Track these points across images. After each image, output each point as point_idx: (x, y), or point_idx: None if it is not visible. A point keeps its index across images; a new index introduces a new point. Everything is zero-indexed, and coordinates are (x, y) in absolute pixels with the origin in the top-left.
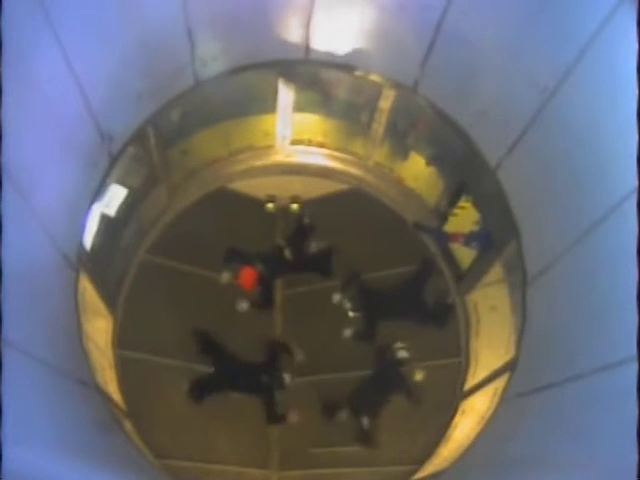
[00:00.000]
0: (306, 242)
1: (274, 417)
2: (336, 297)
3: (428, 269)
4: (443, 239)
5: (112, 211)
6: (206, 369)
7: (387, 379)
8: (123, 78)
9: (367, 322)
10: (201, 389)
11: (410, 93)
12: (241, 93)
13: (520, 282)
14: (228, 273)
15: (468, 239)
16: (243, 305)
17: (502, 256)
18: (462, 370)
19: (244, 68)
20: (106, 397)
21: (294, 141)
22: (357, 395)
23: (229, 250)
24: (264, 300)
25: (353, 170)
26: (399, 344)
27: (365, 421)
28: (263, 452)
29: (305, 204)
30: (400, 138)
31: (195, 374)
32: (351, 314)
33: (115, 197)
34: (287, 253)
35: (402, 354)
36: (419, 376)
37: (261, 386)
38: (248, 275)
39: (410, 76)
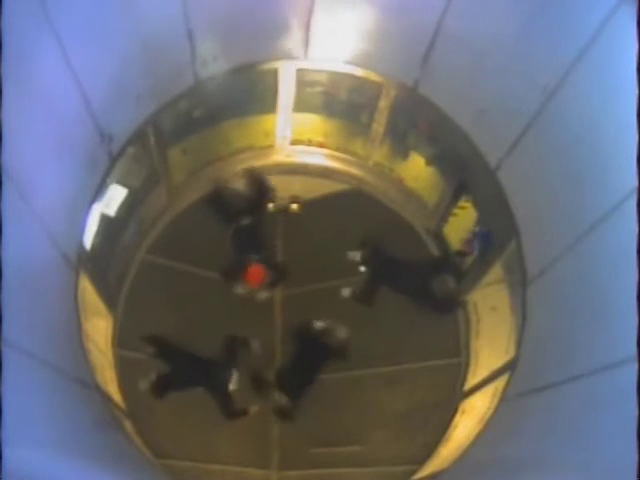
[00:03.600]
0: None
1: (232, 412)
2: (351, 254)
3: (446, 263)
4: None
5: (112, 211)
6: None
7: (312, 354)
8: (123, 78)
9: (370, 283)
10: (163, 386)
11: (410, 93)
12: (241, 93)
13: (520, 282)
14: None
15: (469, 243)
16: (240, 289)
17: (502, 256)
18: (462, 370)
19: (244, 68)
20: (106, 397)
21: (294, 141)
22: (283, 374)
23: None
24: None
25: (353, 170)
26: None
27: (284, 399)
28: (263, 452)
29: (306, 207)
30: (400, 138)
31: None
32: (362, 269)
33: (115, 197)
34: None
35: (319, 324)
36: (342, 333)
37: (218, 383)
38: (257, 273)
39: (410, 76)
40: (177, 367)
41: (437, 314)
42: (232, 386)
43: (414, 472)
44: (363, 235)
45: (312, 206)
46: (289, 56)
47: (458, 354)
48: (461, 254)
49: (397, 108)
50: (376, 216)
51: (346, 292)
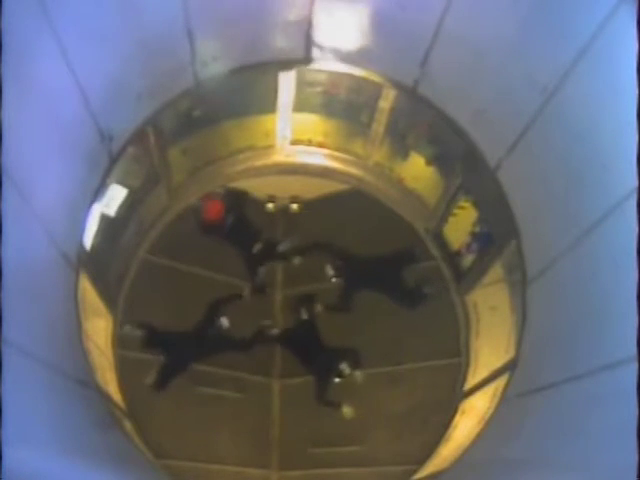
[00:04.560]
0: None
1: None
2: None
3: (411, 253)
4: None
5: (112, 211)
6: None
7: (320, 366)
8: (123, 78)
9: (344, 291)
10: (163, 378)
11: (410, 93)
12: (241, 93)
13: (520, 282)
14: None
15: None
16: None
17: (502, 256)
18: (462, 370)
19: (244, 68)
20: (106, 397)
21: (294, 141)
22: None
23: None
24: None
25: (353, 170)
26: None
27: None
28: (263, 452)
29: (306, 207)
30: (400, 138)
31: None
32: (333, 280)
33: (115, 197)
34: (256, 247)
35: (346, 370)
36: (347, 411)
37: (209, 343)
38: (214, 206)
39: (410, 76)
40: (171, 351)
41: (409, 307)
42: (225, 324)
43: (414, 472)
44: (326, 244)
45: (312, 206)
46: (289, 56)
47: (458, 354)
48: (461, 254)
49: (397, 108)
50: (376, 216)
51: (318, 308)
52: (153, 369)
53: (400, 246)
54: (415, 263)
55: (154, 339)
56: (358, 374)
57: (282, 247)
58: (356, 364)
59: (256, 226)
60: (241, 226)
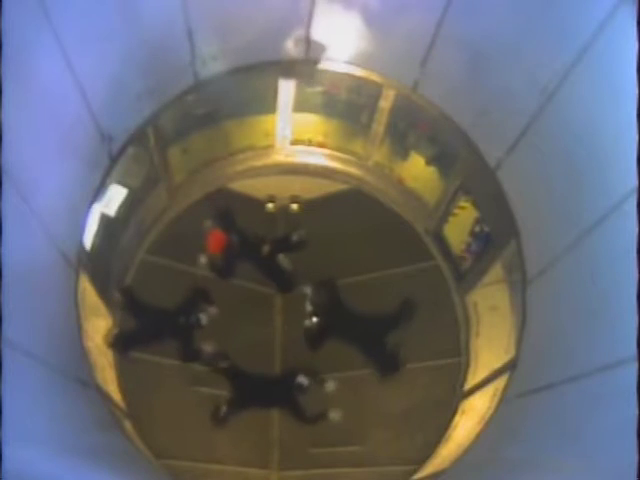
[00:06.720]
0: (287, 252)
1: (189, 355)
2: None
3: (408, 312)
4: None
5: (112, 211)
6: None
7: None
8: (123, 78)
9: (320, 332)
10: (125, 342)
11: (410, 93)
12: (241, 93)
13: (520, 282)
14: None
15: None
16: (202, 259)
17: (502, 256)
18: (462, 370)
19: (244, 68)
20: (106, 397)
21: (294, 141)
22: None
23: (223, 209)
24: (224, 270)
25: (353, 170)
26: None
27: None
28: (263, 452)
29: (306, 207)
30: (400, 138)
31: (192, 371)
32: (314, 319)
33: (115, 197)
34: (264, 249)
35: (302, 380)
36: (334, 415)
37: (179, 328)
38: (217, 238)
39: (410, 76)
40: (143, 322)
41: (381, 375)
42: (204, 321)
43: (414, 472)
44: (317, 279)
45: (312, 206)
46: (289, 56)
47: (458, 354)
48: (461, 254)
49: (397, 108)
50: (376, 216)
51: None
52: (115, 327)
53: (397, 304)
54: (409, 320)
55: (131, 305)
56: (329, 383)
57: (295, 237)
58: (313, 374)
59: (253, 232)
60: (244, 240)
